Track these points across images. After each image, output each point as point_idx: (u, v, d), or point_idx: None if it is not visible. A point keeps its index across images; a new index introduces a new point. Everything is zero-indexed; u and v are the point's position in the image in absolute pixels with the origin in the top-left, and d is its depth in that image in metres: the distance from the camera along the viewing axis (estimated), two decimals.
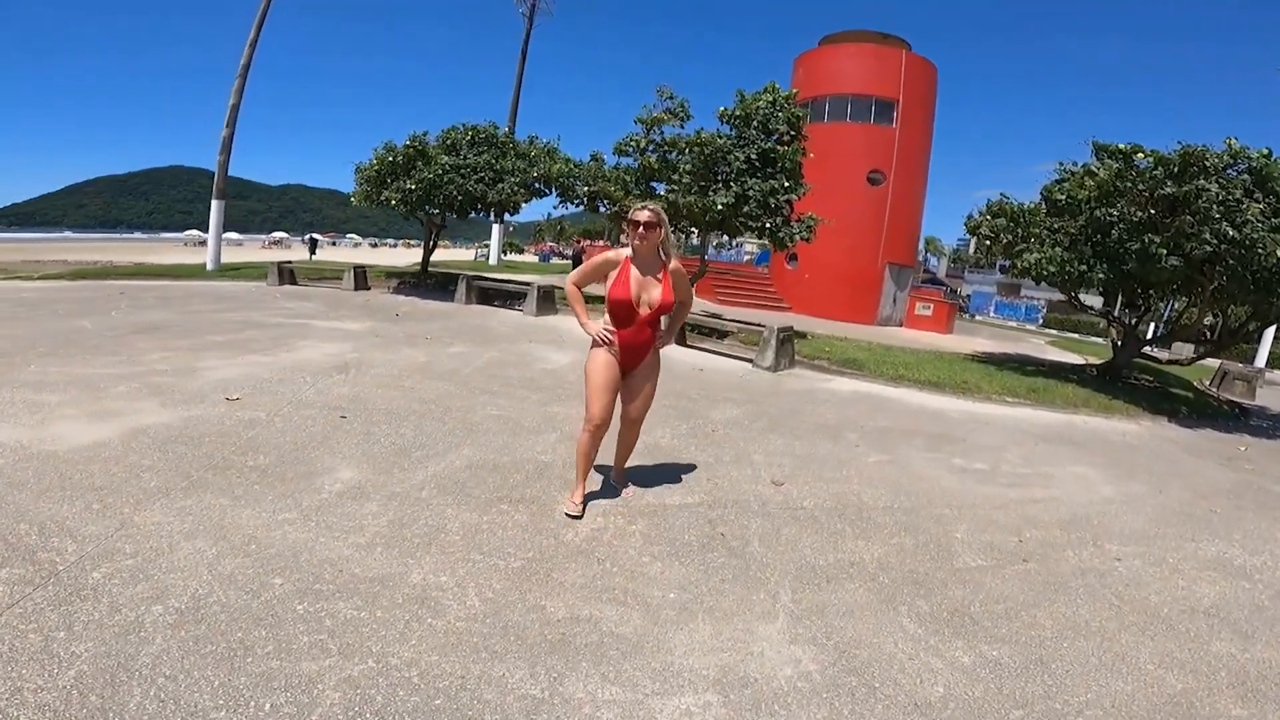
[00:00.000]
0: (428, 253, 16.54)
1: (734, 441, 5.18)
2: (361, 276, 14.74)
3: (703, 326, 10.56)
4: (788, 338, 9.08)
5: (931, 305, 20.20)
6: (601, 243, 22.21)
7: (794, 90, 11.50)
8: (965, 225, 11.19)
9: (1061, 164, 10.00)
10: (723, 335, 10.52)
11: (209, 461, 3.71)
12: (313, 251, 34.05)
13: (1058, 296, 11.78)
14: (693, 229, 12.16)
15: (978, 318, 37.42)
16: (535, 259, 49.26)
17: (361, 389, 5.75)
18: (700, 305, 16.74)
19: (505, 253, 51.35)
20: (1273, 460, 6.87)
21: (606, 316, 3.36)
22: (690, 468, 4.48)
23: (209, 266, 16.12)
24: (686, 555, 3.21)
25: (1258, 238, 7.37)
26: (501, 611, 2.55)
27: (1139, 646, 2.70)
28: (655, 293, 3.28)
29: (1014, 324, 34.53)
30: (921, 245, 42.44)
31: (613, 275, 3.28)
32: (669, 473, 4.34)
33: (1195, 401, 9.64)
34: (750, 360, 9.10)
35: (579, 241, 27.55)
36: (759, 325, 9.40)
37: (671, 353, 9.61)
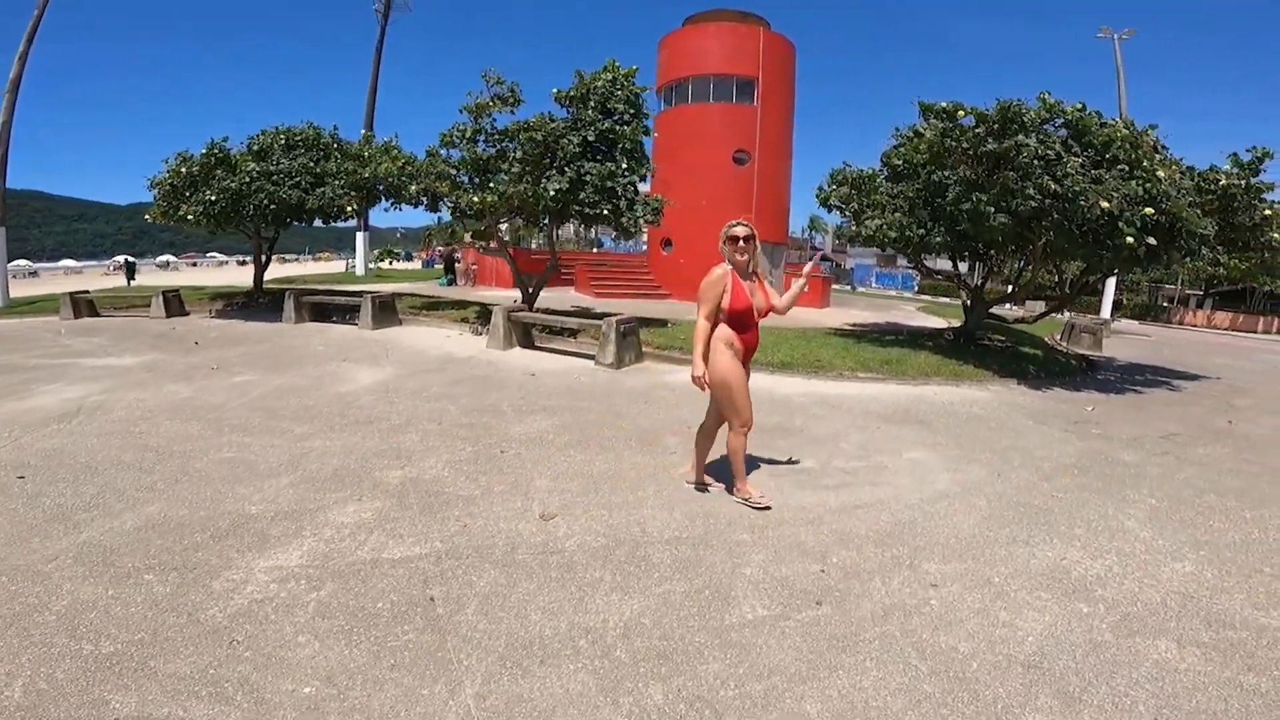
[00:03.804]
0: (260, 269, 14.91)
1: (521, 465, 4.37)
2: (175, 301, 12.94)
3: (550, 326, 9.70)
4: (630, 330, 8.37)
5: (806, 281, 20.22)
6: (475, 247, 20.52)
7: (634, 68, 10.79)
8: (816, 197, 10.89)
9: (898, 129, 9.82)
10: (574, 333, 9.71)
11: None
12: (131, 276, 30.21)
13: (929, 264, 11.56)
14: (544, 220, 11.27)
15: (859, 289, 38.60)
16: (420, 265, 46.56)
17: (75, 439, 4.73)
18: (573, 299, 15.90)
19: (388, 261, 48.18)
20: (1119, 419, 6.70)
21: (722, 328, 3.56)
22: (447, 505, 3.64)
23: None
24: (365, 631, 2.41)
25: (1080, 190, 7.26)
26: (42, 705, 1.98)
27: None
28: (760, 298, 3.63)
29: (893, 293, 35.83)
30: (806, 224, 43.48)
31: (728, 289, 3.52)
32: (412, 515, 3.48)
33: (1044, 360, 9.70)
34: (594, 358, 8.35)
35: (453, 246, 25.94)
36: (598, 320, 8.65)
37: (508, 358, 8.71)
